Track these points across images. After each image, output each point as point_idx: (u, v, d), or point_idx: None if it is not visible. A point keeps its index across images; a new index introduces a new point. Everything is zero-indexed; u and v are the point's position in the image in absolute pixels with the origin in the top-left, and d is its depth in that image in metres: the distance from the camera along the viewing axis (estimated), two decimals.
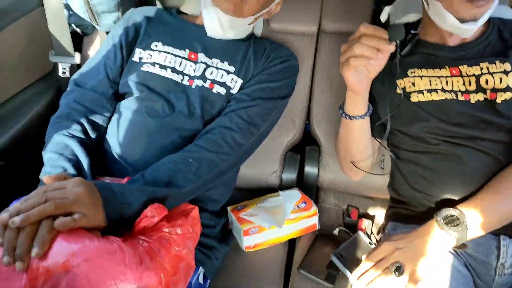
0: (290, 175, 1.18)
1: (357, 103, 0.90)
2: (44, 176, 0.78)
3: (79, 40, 1.26)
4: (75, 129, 0.91)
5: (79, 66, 1.20)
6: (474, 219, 0.79)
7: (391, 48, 0.77)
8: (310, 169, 1.19)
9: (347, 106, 0.92)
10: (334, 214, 1.16)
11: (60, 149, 0.86)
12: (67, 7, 1.16)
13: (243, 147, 0.93)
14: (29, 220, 0.60)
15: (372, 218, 1.14)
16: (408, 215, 0.98)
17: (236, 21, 0.98)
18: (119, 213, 0.69)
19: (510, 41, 0.92)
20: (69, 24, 1.19)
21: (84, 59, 1.22)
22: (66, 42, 1.18)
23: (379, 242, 1.00)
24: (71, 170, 0.81)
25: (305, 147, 1.23)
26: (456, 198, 0.88)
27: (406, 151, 0.97)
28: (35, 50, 1.19)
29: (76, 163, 0.84)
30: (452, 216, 0.80)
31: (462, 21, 0.84)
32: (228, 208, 1.06)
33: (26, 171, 0.93)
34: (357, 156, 1.01)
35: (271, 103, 0.98)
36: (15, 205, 0.63)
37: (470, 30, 0.86)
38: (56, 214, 0.62)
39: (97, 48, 1.20)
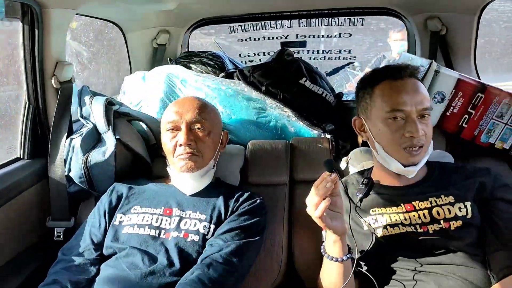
0: None
1: (340, 244, 0.95)
2: None
3: (76, 204, 1.37)
4: None
5: (73, 229, 1.29)
6: None
7: (333, 176, 0.88)
8: None
9: (332, 250, 0.96)
10: None
11: None
12: (68, 178, 1.32)
13: None
14: None
15: None
16: None
17: (203, 171, 1.17)
18: None
19: (448, 179, 1.10)
20: (68, 192, 1.32)
21: (78, 222, 1.31)
22: (64, 208, 1.30)
23: None
24: None
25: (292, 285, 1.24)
26: None
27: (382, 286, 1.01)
28: (33, 217, 1.30)
29: None
30: None
31: (405, 165, 1.03)
32: None
33: None
34: None
35: (244, 243, 1.06)
36: None
37: (412, 172, 1.05)
38: None
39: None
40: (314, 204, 0.87)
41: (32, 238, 1.31)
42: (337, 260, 0.95)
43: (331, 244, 0.96)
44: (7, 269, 1.18)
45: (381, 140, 1.06)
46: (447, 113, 1.36)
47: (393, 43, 2.96)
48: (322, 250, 1.00)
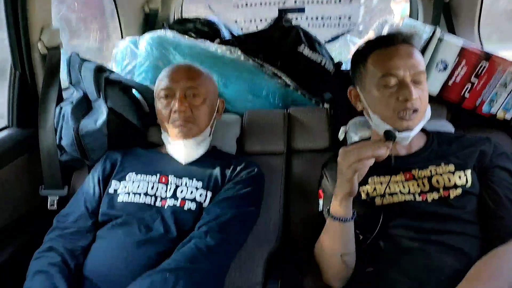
0: (273, 286, 1.16)
1: (348, 205, 0.96)
2: None
3: (69, 173, 1.35)
4: (55, 260, 0.97)
5: (67, 198, 1.27)
6: None
7: (390, 145, 0.90)
8: (293, 278, 1.19)
9: (338, 209, 0.96)
10: None
11: (39, 281, 0.92)
12: (60, 147, 1.28)
13: (219, 257, 0.97)
14: None
15: None
16: None
17: (198, 139, 1.15)
18: None
19: (448, 148, 1.08)
20: (60, 161, 1.29)
21: (72, 191, 1.30)
22: (56, 177, 1.27)
23: None
24: None
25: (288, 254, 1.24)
26: None
27: (378, 254, 1.01)
28: (26, 186, 1.27)
29: None
30: None
31: (399, 131, 1.01)
32: None
33: None
34: (348, 259, 1.01)
35: (242, 211, 1.05)
36: None
37: (407, 138, 1.03)
38: None
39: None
40: (360, 158, 0.88)
41: (25, 207, 1.29)
42: (341, 220, 0.96)
43: (338, 203, 0.96)
44: (0, 237, 1.17)
45: (375, 107, 1.05)
46: (449, 83, 1.33)
47: (395, 5, 2.84)
48: (325, 213, 1.00)
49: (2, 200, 1.19)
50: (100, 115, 1.23)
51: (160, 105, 1.16)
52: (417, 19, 1.86)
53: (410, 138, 1.04)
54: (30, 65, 1.32)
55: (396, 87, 1.00)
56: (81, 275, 0.99)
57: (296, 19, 2.14)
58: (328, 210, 1.00)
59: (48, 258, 0.98)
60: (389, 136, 0.93)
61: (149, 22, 1.99)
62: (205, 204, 1.07)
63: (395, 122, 1.01)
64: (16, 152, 1.25)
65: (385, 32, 1.38)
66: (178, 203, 1.07)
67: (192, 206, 1.06)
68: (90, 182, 1.15)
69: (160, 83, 1.17)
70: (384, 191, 1.03)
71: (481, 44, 1.72)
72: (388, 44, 1.04)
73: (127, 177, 1.13)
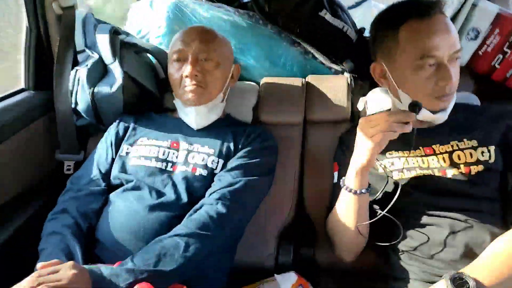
0: (286, 258, 1.17)
1: (364, 177, 0.94)
2: (38, 264, 0.82)
3: (85, 138, 1.36)
4: (69, 222, 0.99)
5: (82, 163, 1.28)
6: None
7: (414, 117, 0.87)
8: (306, 251, 1.20)
9: (355, 182, 0.94)
10: None
11: (53, 241, 0.94)
12: (76, 112, 1.28)
13: (230, 225, 0.97)
14: None
15: None
16: None
17: (210, 105, 1.12)
18: None
19: (473, 122, 1.02)
20: (76, 126, 1.30)
21: (87, 156, 1.30)
22: (72, 142, 1.28)
23: None
24: (64, 260, 0.84)
25: (300, 227, 1.24)
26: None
27: (393, 229, 0.99)
28: (42, 150, 1.29)
29: (69, 254, 0.91)
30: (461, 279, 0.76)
31: (434, 112, 0.95)
32: None
33: (23, 264, 0.95)
34: (361, 232, 1.00)
35: (253, 180, 1.04)
36: None
37: (442, 118, 0.98)
38: None
39: None
40: (384, 129, 0.86)
41: (42, 171, 1.31)
42: (356, 192, 0.94)
43: (353, 175, 0.94)
44: (17, 201, 1.19)
45: (408, 89, 0.96)
46: (480, 52, 1.25)
47: None
48: (341, 183, 0.99)
49: (20, 163, 1.21)
50: (115, 79, 1.21)
51: (172, 69, 1.13)
52: None
53: (445, 118, 0.98)
54: (45, 26, 1.30)
55: (433, 68, 0.92)
56: (93, 237, 1.02)
57: None
58: (343, 181, 0.98)
59: (62, 220, 1.00)
60: (414, 108, 0.88)
61: None
62: (217, 171, 1.06)
63: (430, 104, 0.94)
64: (33, 115, 1.25)
65: None
66: (189, 169, 1.06)
67: (204, 172, 1.06)
68: (103, 145, 1.16)
69: (173, 46, 1.14)
70: (403, 165, 1.00)
71: None
72: (422, 15, 0.92)
73: (138, 142, 1.13)
